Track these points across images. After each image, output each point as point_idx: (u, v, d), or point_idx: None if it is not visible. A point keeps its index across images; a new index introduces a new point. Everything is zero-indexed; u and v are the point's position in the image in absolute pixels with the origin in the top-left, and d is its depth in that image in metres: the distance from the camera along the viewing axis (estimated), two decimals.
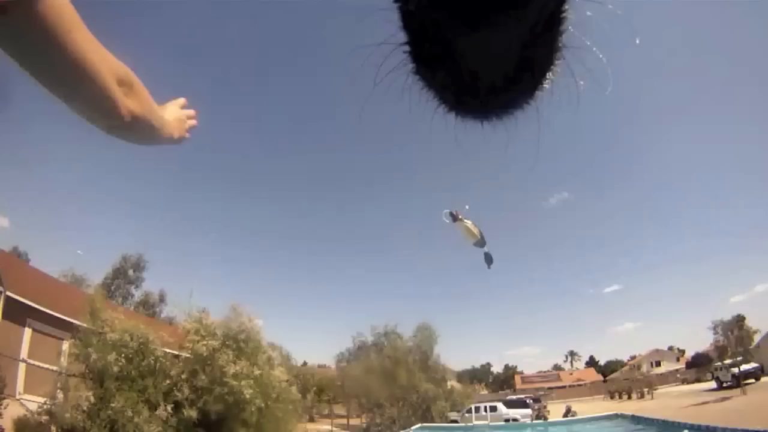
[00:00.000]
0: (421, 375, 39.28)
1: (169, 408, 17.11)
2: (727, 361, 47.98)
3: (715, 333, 45.76)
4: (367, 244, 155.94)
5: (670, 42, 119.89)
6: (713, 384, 55.47)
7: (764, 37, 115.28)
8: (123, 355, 17.45)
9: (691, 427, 19.03)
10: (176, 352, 20.14)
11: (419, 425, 32.65)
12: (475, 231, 16.20)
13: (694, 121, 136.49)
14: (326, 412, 53.22)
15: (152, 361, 18.24)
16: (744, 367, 45.68)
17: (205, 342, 18.37)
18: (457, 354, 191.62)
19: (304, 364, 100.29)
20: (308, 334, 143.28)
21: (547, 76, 1.15)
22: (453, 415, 40.31)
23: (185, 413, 17.20)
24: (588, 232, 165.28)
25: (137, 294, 64.60)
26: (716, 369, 53.78)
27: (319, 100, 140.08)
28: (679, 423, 20.63)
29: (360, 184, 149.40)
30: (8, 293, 25.19)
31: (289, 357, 39.03)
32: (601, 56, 1.17)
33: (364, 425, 39.16)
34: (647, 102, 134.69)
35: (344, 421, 42.57)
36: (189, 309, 22.10)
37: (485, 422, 35.29)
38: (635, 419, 26.66)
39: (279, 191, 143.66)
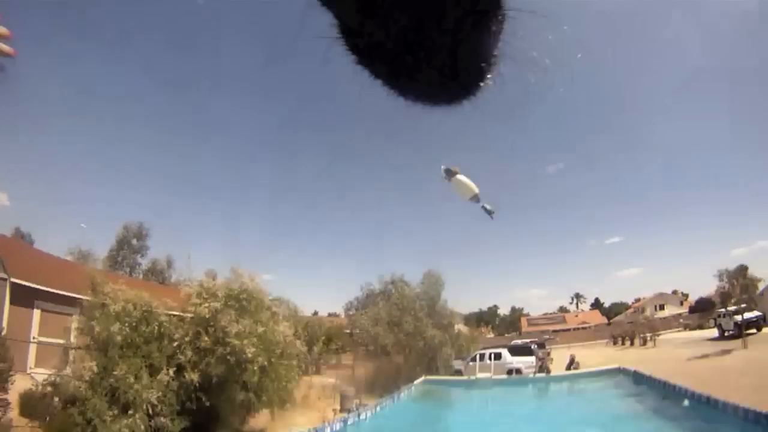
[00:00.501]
0: (427, 321, 39.17)
1: (171, 372, 17.05)
2: (731, 308, 47.73)
3: (720, 280, 45.38)
4: (374, 195, 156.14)
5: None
6: (715, 332, 55.73)
7: None
8: (126, 324, 17.48)
9: (692, 396, 18.80)
10: (183, 314, 20.11)
11: (423, 378, 32.64)
12: (472, 186, 15.92)
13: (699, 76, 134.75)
14: (334, 362, 53.86)
15: (156, 327, 18.26)
16: (747, 315, 45.47)
17: (207, 304, 18.28)
18: (465, 297, 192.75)
19: (315, 314, 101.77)
20: (320, 286, 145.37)
21: (485, 74, 1.33)
22: (457, 364, 40.33)
23: (187, 377, 17.19)
24: (586, 191, 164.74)
25: (144, 262, 65.13)
26: (719, 316, 53.59)
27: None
28: (680, 388, 20.36)
29: (365, 136, 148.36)
30: (13, 280, 26.10)
31: (296, 310, 38.81)
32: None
33: (370, 375, 39.29)
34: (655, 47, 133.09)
35: (353, 370, 42.56)
36: (189, 273, 22.22)
37: (488, 375, 35.10)
38: (637, 377, 26.49)
39: (282, 144, 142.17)
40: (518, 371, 37.78)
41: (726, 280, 44.89)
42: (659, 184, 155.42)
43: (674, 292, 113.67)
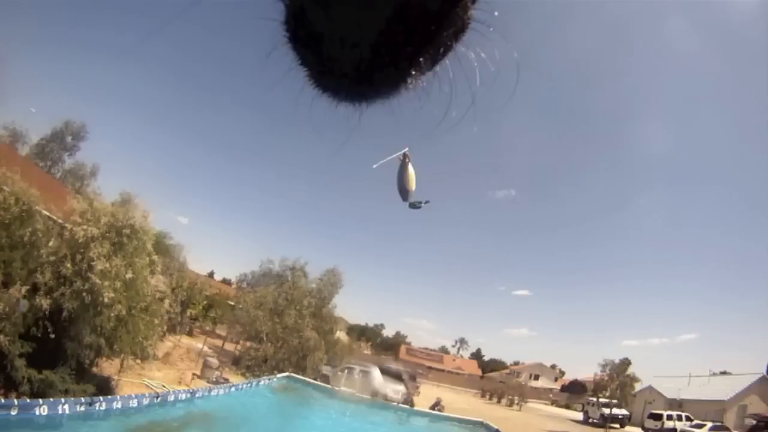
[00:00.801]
0: (310, 320, 37.90)
1: (23, 290, 15.12)
2: (602, 399, 48.29)
3: (602, 370, 45.73)
4: (302, 172, 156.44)
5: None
6: (580, 415, 56.57)
7: None
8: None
9: None
10: (63, 229, 18.25)
11: (287, 374, 31.62)
12: (413, 183, 15.03)
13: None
14: (209, 328, 52.75)
15: (28, 234, 16.25)
16: (615, 410, 46.04)
17: (84, 227, 16.40)
18: (355, 306, 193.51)
19: (210, 274, 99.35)
20: (230, 247, 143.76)
21: (412, 71, 1.33)
22: (326, 369, 39.06)
23: (37, 300, 15.13)
24: (523, 232, 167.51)
25: (69, 162, 61.34)
26: (588, 403, 54.36)
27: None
28: None
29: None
30: None
31: (183, 264, 37.09)
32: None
33: (238, 353, 37.99)
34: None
35: (223, 342, 41.18)
36: (82, 185, 20.44)
37: (351, 390, 34.27)
38: None
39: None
40: (384, 396, 36.95)
41: (608, 372, 45.20)
42: (580, 253, 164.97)
43: (552, 366, 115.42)
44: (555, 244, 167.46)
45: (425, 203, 16.05)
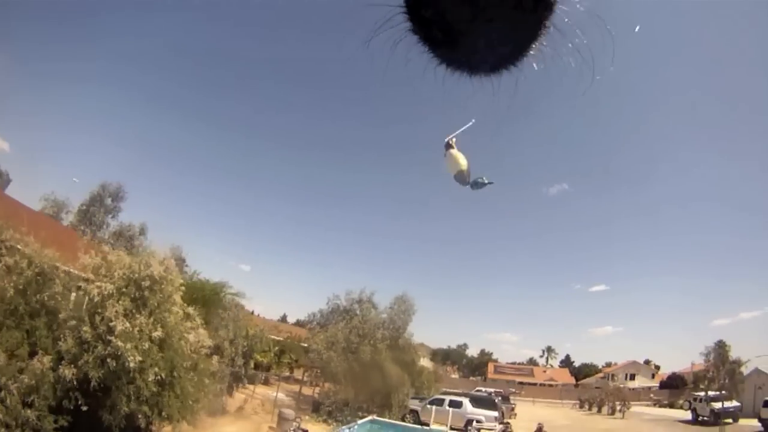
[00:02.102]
0: (388, 353, 34.87)
1: (46, 360, 12.79)
2: (711, 393, 43.96)
3: (706, 360, 41.27)
4: (372, 206, 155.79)
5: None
6: (687, 414, 52.33)
7: None
8: (13, 284, 13.41)
9: None
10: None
11: (370, 418, 28.79)
12: (460, 160, 12.77)
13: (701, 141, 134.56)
14: (287, 374, 50.46)
15: (46, 298, 14.03)
16: (726, 404, 41.71)
17: (98, 284, 13.98)
18: (434, 331, 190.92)
19: (283, 318, 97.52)
20: (298, 288, 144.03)
21: (531, 48, 1.64)
22: (414, 404, 36.29)
23: (61, 370, 12.85)
24: (585, 227, 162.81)
25: (113, 224, 60.09)
26: (695, 400, 50.01)
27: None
28: None
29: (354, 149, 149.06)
30: None
31: (240, 309, 35.18)
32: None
33: (317, 398, 35.08)
34: (660, 110, 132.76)
35: (300, 387, 38.45)
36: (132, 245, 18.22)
37: (444, 428, 31.37)
38: None
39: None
40: (479, 422, 33.83)
41: (712, 360, 40.69)
42: (653, 239, 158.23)
43: (647, 362, 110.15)
44: (621, 234, 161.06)
45: (489, 183, 13.56)
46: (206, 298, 22.44)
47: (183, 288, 16.38)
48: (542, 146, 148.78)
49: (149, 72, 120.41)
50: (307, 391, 39.58)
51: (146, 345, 13.36)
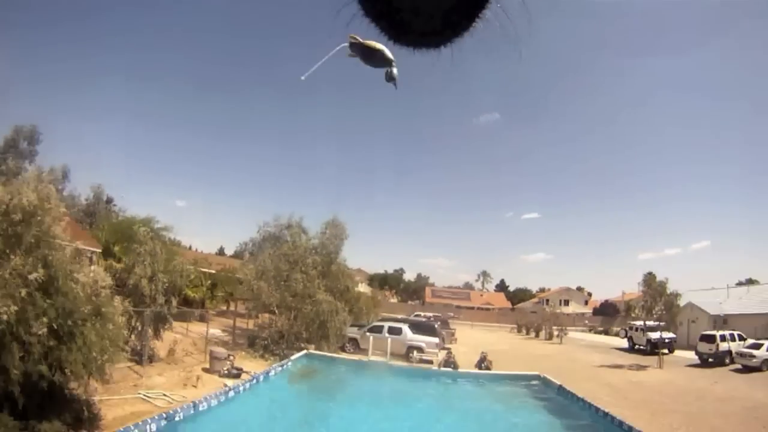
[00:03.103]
0: (320, 281, 32.99)
1: None
2: (648, 323, 43.60)
3: (644, 290, 40.57)
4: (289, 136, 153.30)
5: None
6: (623, 342, 53.67)
7: None
8: None
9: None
10: None
11: (304, 352, 27.07)
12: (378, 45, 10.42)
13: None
14: (224, 308, 48.70)
15: None
16: (663, 334, 41.45)
17: None
18: (370, 257, 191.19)
19: (221, 251, 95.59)
20: (234, 221, 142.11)
21: (472, 26, 1.74)
22: (353, 332, 35.09)
23: None
24: (516, 157, 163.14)
25: (31, 169, 56.00)
26: (631, 329, 50.83)
27: None
28: (613, 419, 15.61)
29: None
30: None
31: (173, 241, 33.32)
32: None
33: (250, 335, 32.92)
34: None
35: (234, 321, 36.35)
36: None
37: (383, 359, 30.01)
38: (561, 392, 21.75)
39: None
40: (419, 349, 32.78)
41: (649, 290, 39.93)
42: (584, 170, 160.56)
43: (579, 289, 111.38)
44: (556, 161, 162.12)
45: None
46: (126, 235, 20.16)
47: (66, 218, 13.87)
48: (473, 78, 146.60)
49: None
50: (245, 324, 38.10)
51: (23, 292, 10.82)
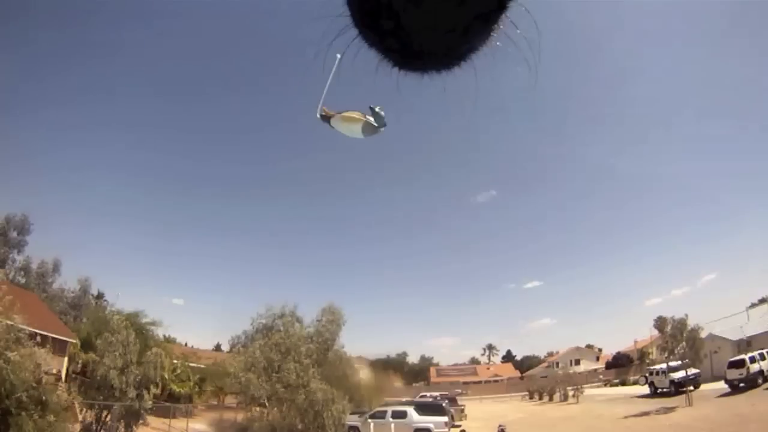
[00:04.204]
0: (315, 370, 30.19)
1: None
2: (671, 364, 41.19)
3: (661, 331, 38.25)
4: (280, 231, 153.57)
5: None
6: (643, 389, 50.47)
7: None
8: None
9: None
10: None
11: None
12: (356, 116, 8.61)
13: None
14: (215, 403, 45.81)
15: None
16: (687, 372, 38.92)
17: None
18: (371, 343, 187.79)
19: (218, 347, 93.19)
20: (231, 318, 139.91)
21: (484, 46, 1.67)
22: (353, 420, 31.98)
23: None
24: (514, 229, 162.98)
25: (19, 259, 55.73)
26: (651, 373, 47.99)
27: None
28: None
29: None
30: None
31: (168, 338, 31.81)
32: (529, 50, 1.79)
33: (239, 429, 30.23)
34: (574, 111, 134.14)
35: (231, 415, 35.17)
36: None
37: None
38: None
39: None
40: (427, 431, 30.14)
41: (669, 330, 37.55)
42: (581, 232, 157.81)
43: (589, 347, 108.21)
44: (552, 230, 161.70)
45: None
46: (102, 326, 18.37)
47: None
48: (471, 157, 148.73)
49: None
50: (235, 418, 35.38)
51: None
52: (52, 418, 11.66)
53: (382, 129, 9.99)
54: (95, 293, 57.22)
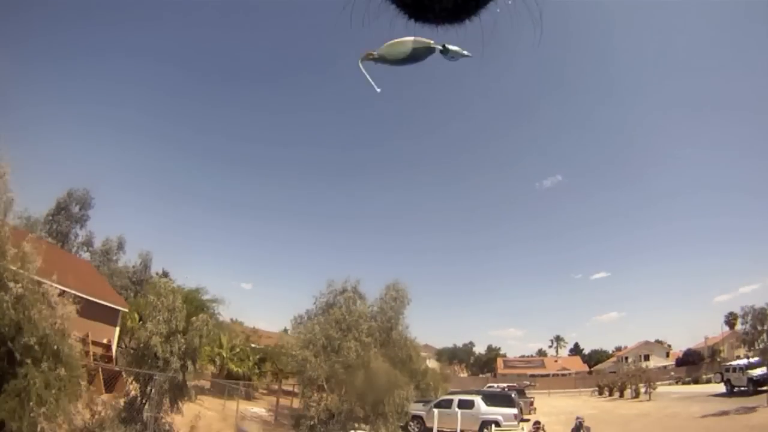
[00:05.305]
0: (378, 350, 28.12)
1: None
2: (745, 361, 38.44)
3: (744, 322, 35.51)
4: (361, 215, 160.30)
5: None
6: (717, 387, 47.75)
7: None
8: None
9: None
10: None
11: None
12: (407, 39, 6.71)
13: (700, 126, 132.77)
14: (277, 387, 44.45)
15: None
16: (765, 370, 36.23)
17: None
18: (438, 332, 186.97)
19: (286, 331, 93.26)
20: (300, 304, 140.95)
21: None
22: (417, 408, 30.34)
23: None
24: (581, 218, 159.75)
25: (82, 234, 57.60)
26: (727, 370, 44.61)
27: None
28: None
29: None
30: None
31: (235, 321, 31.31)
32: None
33: (295, 414, 28.53)
34: (655, 93, 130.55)
35: (277, 400, 34.59)
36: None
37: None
38: None
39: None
40: (495, 424, 28.16)
41: (750, 321, 34.73)
42: (650, 224, 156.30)
43: (659, 342, 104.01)
44: (618, 221, 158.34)
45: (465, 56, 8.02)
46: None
47: None
48: (536, 141, 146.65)
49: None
50: (294, 403, 33.96)
51: None
52: (63, 371, 10.39)
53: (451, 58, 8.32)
54: (160, 271, 57.46)
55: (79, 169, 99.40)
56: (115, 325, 34.17)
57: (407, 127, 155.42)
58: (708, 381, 59.96)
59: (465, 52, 7.78)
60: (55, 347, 10.17)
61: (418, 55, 7.86)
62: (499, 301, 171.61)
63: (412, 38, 7.40)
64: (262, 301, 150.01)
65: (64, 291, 13.58)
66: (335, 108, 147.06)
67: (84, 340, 26.77)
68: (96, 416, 15.49)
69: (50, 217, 54.10)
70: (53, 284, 11.69)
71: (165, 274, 55.00)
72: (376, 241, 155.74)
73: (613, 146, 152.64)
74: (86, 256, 54.15)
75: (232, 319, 40.37)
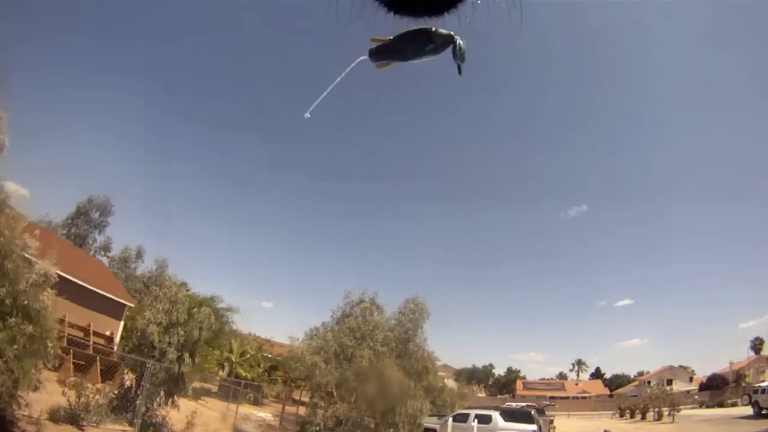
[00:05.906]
0: (392, 360, 27.03)
1: None
2: None
3: (758, 353, 34.22)
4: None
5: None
6: (744, 410, 45.65)
7: None
8: None
9: None
10: None
11: None
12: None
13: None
14: (286, 396, 44.51)
15: None
16: None
17: None
18: (458, 354, 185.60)
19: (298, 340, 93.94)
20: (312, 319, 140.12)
21: None
22: (431, 422, 28.78)
23: None
24: (606, 246, 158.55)
25: (100, 239, 59.49)
26: (755, 392, 42.68)
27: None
28: None
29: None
30: None
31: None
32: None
33: (301, 421, 27.56)
34: (674, 121, 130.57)
35: (283, 406, 34.02)
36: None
37: None
38: None
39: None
40: None
41: None
42: (674, 251, 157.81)
43: (682, 367, 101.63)
44: (643, 246, 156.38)
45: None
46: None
47: None
48: (561, 173, 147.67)
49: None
50: (294, 411, 34.63)
51: None
52: (30, 329, 9.33)
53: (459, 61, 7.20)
54: (179, 282, 56.49)
55: (105, 181, 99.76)
56: (120, 319, 34.31)
57: (435, 156, 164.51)
58: (733, 405, 57.68)
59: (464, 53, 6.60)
60: (25, 302, 9.23)
61: (437, 46, 6.52)
62: (520, 326, 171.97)
63: (431, 27, 6.18)
64: (283, 319, 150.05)
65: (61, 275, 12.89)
66: (371, 139, 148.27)
67: (86, 330, 27.51)
68: (82, 398, 14.93)
69: (69, 221, 55.47)
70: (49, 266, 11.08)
71: (183, 284, 55.41)
72: (404, 270, 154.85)
73: (638, 175, 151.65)
74: (104, 261, 54.77)
75: (250, 333, 40.96)
